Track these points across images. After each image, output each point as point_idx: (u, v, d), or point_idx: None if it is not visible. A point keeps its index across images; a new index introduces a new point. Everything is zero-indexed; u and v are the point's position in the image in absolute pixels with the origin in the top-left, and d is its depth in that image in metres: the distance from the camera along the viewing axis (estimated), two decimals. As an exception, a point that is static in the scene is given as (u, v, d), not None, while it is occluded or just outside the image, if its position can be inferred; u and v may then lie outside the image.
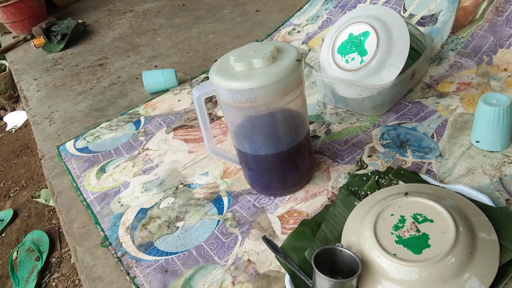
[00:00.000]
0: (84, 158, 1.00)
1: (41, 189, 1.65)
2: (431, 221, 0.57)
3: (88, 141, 1.06)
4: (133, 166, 0.93)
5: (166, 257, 0.69)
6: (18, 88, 1.57)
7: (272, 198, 0.76)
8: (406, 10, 1.14)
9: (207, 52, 1.43)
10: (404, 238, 0.56)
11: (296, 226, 0.68)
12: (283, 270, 0.62)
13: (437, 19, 1.08)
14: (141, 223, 0.77)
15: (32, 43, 1.90)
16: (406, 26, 0.85)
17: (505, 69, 0.92)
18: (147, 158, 0.95)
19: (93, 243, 0.76)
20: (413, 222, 0.57)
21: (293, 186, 0.75)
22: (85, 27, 1.97)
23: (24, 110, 2.27)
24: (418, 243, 0.55)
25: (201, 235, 0.72)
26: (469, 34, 1.01)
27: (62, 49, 1.76)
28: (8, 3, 1.94)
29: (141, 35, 1.72)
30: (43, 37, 1.85)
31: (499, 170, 0.70)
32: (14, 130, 2.18)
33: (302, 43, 1.27)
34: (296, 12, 1.40)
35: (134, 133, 1.05)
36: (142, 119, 1.10)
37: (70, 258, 1.31)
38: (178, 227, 0.74)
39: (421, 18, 1.10)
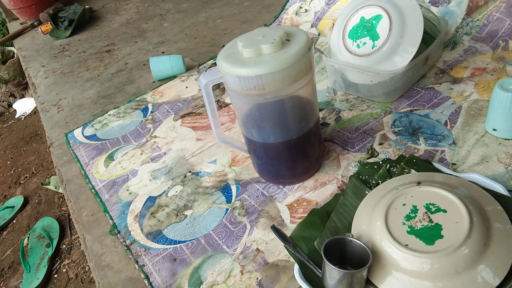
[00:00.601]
0: (92, 145, 1.00)
1: (51, 176, 1.66)
2: (444, 211, 0.56)
3: (96, 129, 1.06)
4: (141, 153, 0.93)
5: (175, 245, 0.69)
6: (26, 75, 1.57)
7: (281, 186, 0.75)
8: (419, -10, 1.10)
9: (214, 37, 1.41)
10: (416, 228, 0.55)
11: (305, 215, 0.67)
12: (292, 260, 0.61)
13: (450, 0, 1.04)
14: (150, 211, 0.77)
15: (39, 29, 1.90)
16: (419, 9, 0.82)
17: (522, 54, 0.89)
18: (155, 145, 0.94)
19: (102, 231, 0.76)
20: (426, 212, 0.56)
21: (302, 175, 0.74)
22: (92, 13, 1.96)
23: (32, 97, 2.28)
24: (430, 234, 0.54)
25: (210, 223, 0.71)
26: (484, 16, 0.97)
27: (69, 35, 1.76)
28: (15, -12, 1.93)
29: (148, 21, 1.70)
30: (50, 23, 1.84)
31: (515, 159, 0.68)
32: (23, 117, 2.19)
33: (311, 26, 1.24)
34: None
35: (142, 121, 1.04)
36: (149, 106, 1.10)
37: (80, 244, 1.32)
38: (186, 216, 0.74)
39: (435, -2, 1.06)
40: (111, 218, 0.78)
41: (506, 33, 0.93)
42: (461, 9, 1.01)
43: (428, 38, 0.86)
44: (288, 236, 0.64)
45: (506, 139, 0.71)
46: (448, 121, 0.78)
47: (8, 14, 2.22)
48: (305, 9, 1.29)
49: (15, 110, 2.25)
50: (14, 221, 1.53)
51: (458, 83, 0.87)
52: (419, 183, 0.60)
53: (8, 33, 2.14)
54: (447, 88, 0.86)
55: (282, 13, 1.33)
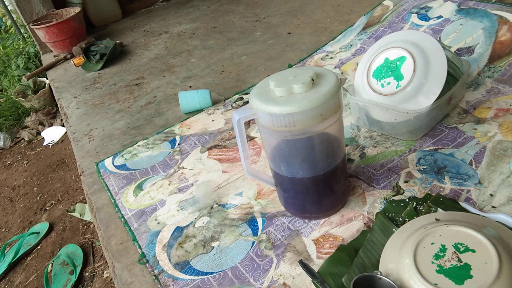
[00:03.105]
0: (122, 175, 1.03)
1: (76, 204, 1.70)
2: (473, 251, 0.56)
3: (126, 159, 1.10)
4: (169, 184, 0.96)
5: (202, 276, 0.70)
6: (59, 105, 1.64)
7: (306, 221, 0.76)
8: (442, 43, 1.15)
9: (239, 73, 1.46)
10: (445, 267, 0.55)
11: (332, 250, 0.68)
12: (319, 295, 0.62)
13: (473, 51, 1.09)
14: (177, 241, 0.79)
15: (72, 62, 1.99)
16: (443, 51, 0.85)
17: (546, 96, 0.90)
18: (183, 176, 0.97)
19: (131, 260, 0.78)
20: (455, 252, 0.57)
21: (328, 210, 0.76)
22: (123, 48, 2.05)
23: (60, 125, 2.37)
24: (460, 274, 0.54)
25: (236, 256, 0.73)
26: (506, 63, 1.00)
27: (100, 69, 1.84)
28: (51, 24, 2.05)
29: (176, 56, 1.78)
30: (83, 56, 1.94)
31: (542, 200, 0.68)
32: (51, 145, 2.26)
33: (335, 67, 1.28)
34: (330, 41, 1.42)
35: (170, 152, 1.08)
36: (177, 138, 1.13)
37: (103, 272, 1.33)
38: (213, 247, 0.76)
39: (457, 49, 1.11)
40: (140, 247, 0.80)
41: (529, 76, 0.95)
42: (483, 58, 1.05)
43: (451, 79, 0.88)
44: (316, 271, 0.64)
45: (532, 180, 0.72)
46: (473, 160, 0.79)
47: (42, 46, 2.35)
48: (331, 57, 1.34)
49: (43, 138, 2.33)
50: (39, 247, 1.56)
51: (482, 123, 0.88)
52: (447, 222, 0.61)
53: (41, 65, 2.25)
54: (470, 128, 0.88)
55: (308, 57, 1.39)
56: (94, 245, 1.49)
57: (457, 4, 1.22)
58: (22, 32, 3.13)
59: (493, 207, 0.69)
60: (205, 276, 0.70)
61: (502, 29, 1.08)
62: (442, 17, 1.22)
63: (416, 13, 1.29)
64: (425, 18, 1.26)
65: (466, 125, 0.89)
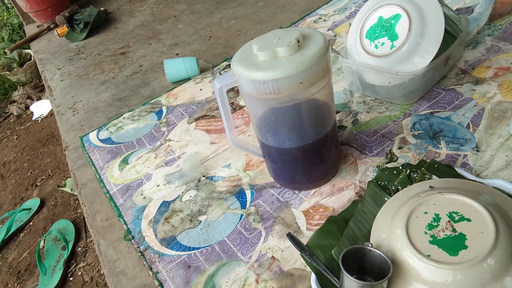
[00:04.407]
0: (107, 149, 1.00)
1: (67, 178, 1.67)
2: (468, 220, 0.53)
3: (111, 132, 1.06)
4: (155, 157, 0.92)
5: (189, 252, 0.68)
6: (43, 78, 1.58)
7: (296, 192, 0.73)
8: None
9: (228, 38, 1.40)
10: (438, 238, 0.52)
11: (322, 222, 0.65)
12: (308, 269, 0.60)
13: (473, 11, 1.04)
14: (164, 216, 0.76)
15: (55, 32, 1.92)
16: (440, 7, 0.80)
17: (549, 53, 0.85)
18: (169, 149, 0.93)
19: (116, 236, 0.76)
20: (449, 221, 0.54)
21: (319, 180, 0.72)
22: (107, 15, 1.97)
23: (48, 99, 2.31)
24: (454, 244, 0.51)
25: (224, 230, 0.70)
26: (507, 22, 0.95)
27: (84, 38, 1.77)
28: (32, -8, 1.95)
29: (162, 22, 1.70)
30: (66, 25, 1.86)
31: (542, 164, 0.65)
32: (40, 119, 2.21)
33: (328, 29, 1.22)
34: (323, 5, 1.36)
35: (156, 124, 1.04)
36: (164, 109, 1.09)
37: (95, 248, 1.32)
38: (200, 221, 0.73)
39: (456, 10, 1.06)
40: (125, 223, 0.77)
41: (531, 32, 0.90)
42: (483, 17, 1.00)
43: (449, 37, 0.83)
44: (305, 244, 0.62)
45: (532, 143, 0.68)
46: (470, 123, 0.76)
47: (25, 17, 2.25)
48: (324, 19, 1.28)
49: (32, 112, 2.29)
50: (31, 223, 1.55)
51: (481, 83, 0.84)
52: (441, 190, 0.58)
53: (25, 36, 2.17)
54: (469, 89, 0.83)
55: (300, 20, 1.33)
56: (86, 220, 1.47)
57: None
58: (6, 2, 3.01)
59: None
60: (192, 252, 0.68)
61: None
62: (442, -25, 1.16)
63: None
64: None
65: (464, 86, 0.85)
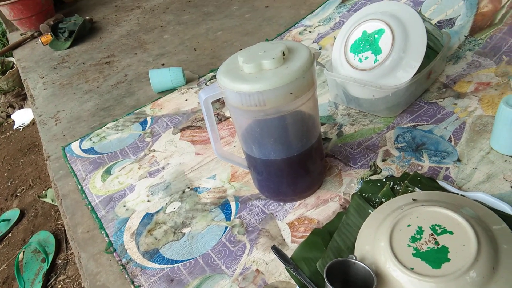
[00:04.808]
0: (90, 159, 0.98)
1: (48, 189, 1.64)
2: (451, 232, 0.54)
3: (94, 142, 1.04)
4: (139, 168, 0.91)
5: (172, 265, 0.67)
6: (25, 86, 1.55)
7: (281, 203, 0.73)
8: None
9: (215, 49, 1.40)
10: (422, 251, 0.53)
11: (307, 234, 0.65)
12: (293, 282, 0.59)
13: (454, 23, 1.06)
14: (147, 228, 0.75)
15: (39, 40, 1.89)
16: (422, 23, 0.81)
17: (527, 69, 0.88)
18: (154, 160, 0.92)
19: (98, 249, 0.74)
20: (432, 234, 0.54)
21: (304, 192, 0.72)
22: (93, 24, 1.95)
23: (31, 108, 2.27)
24: (437, 257, 0.52)
25: (208, 242, 0.69)
26: (487, 36, 0.98)
27: (69, 47, 1.75)
28: (15, 0, 1.92)
29: (148, 32, 1.70)
30: (51, 34, 1.84)
31: (521, 177, 0.66)
32: (21, 128, 2.17)
33: (313, 42, 1.23)
34: (308, 15, 1.37)
35: (141, 134, 1.03)
36: (148, 119, 1.08)
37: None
38: (184, 234, 0.72)
39: (438, 22, 1.08)
40: (107, 236, 0.76)
41: (510, 49, 0.93)
42: (464, 30, 1.02)
43: (431, 52, 0.85)
44: (289, 256, 0.62)
45: (511, 156, 0.70)
46: (452, 137, 0.77)
47: (8, 24, 2.22)
48: (309, 31, 1.29)
49: (13, 120, 2.24)
50: (10, 235, 1.51)
51: (462, 98, 0.85)
52: (424, 203, 0.59)
53: (8, 44, 2.13)
54: (450, 103, 0.85)
55: (286, 32, 1.34)
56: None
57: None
58: (-12, 9, 2.96)
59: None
60: (175, 265, 0.67)
61: (484, 0, 1.05)
62: (424, -11, 1.19)
63: (397, -15, 1.26)
64: (406, -10, 1.22)
65: (445, 100, 0.86)
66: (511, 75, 0.87)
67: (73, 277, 1.24)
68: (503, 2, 1.02)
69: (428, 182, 0.67)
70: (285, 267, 0.61)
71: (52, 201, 1.56)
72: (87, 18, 1.94)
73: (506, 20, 0.98)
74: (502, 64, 0.91)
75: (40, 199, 1.60)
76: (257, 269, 0.63)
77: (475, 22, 1.03)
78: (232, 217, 0.73)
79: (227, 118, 1.00)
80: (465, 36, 1.01)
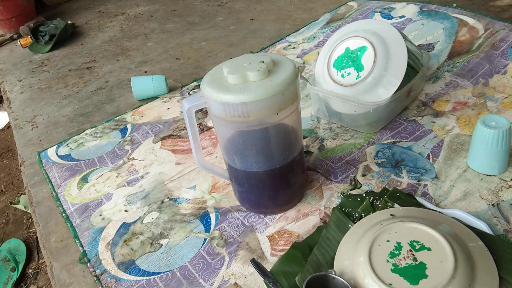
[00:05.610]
0: (66, 166, 0.95)
1: (20, 195, 1.58)
2: (429, 249, 0.55)
3: (71, 148, 1.02)
4: (117, 176, 0.89)
5: (148, 277, 0.65)
6: (1, 89, 1.51)
7: (262, 216, 0.72)
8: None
9: (199, 59, 1.40)
10: (400, 266, 0.53)
11: (287, 247, 0.65)
12: (271, 296, 0.58)
13: (434, 47, 1.11)
14: (123, 239, 0.73)
15: (18, 42, 1.85)
16: (404, 42, 0.83)
17: (502, 91, 0.91)
18: (132, 168, 0.91)
19: (71, 259, 0.72)
20: (410, 250, 0.55)
21: (285, 205, 0.72)
22: (75, 29, 1.93)
23: (6, 111, 2.20)
24: (415, 273, 0.52)
25: (186, 254, 0.68)
26: (465, 60, 1.03)
27: (49, 50, 1.71)
28: (-5, 0, 1.88)
29: (131, 39, 1.69)
30: (31, 37, 1.80)
31: (496, 195, 0.68)
32: (-5, 131, 2.10)
33: (297, 57, 1.25)
34: (293, 32, 1.40)
35: (120, 141, 1.01)
36: (129, 126, 1.06)
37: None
38: (161, 245, 0.71)
39: (418, 45, 1.12)
40: (81, 245, 0.73)
41: (486, 73, 0.97)
42: (443, 54, 1.07)
43: (411, 71, 0.87)
44: (269, 270, 0.61)
45: (487, 175, 0.71)
46: (430, 154, 0.78)
47: (-13, 25, 2.16)
48: (293, 47, 1.31)
49: (-13, 123, 2.17)
50: (-22, 242, 1.45)
51: (440, 116, 0.87)
52: (403, 219, 0.59)
53: (-14, 45, 2.08)
54: (429, 121, 0.87)
55: (270, 46, 1.35)
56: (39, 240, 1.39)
57: (419, 7, 1.27)
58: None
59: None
60: (151, 277, 0.65)
61: (462, 30, 1.12)
62: (405, 17, 1.26)
63: (379, 12, 1.33)
64: (388, 17, 1.29)
65: (424, 118, 0.88)
66: (488, 96, 0.90)
67: (44, 287, 1.20)
68: (479, 33, 1.08)
69: (407, 198, 0.68)
70: (264, 281, 0.60)
71: (25, 208, 1.51)
72: (69, 22, 1.92)
73: (483, 48, 1.04)
74: (479, 85, 0.94)
75: (12, 205, 1.55)
76: (235, 283, 0.62)
77: (453, 48, 1.08)
78: (212, 229, 0.72)
79: (209, 128, 1.00)
80: (444, 59, 1.05)
